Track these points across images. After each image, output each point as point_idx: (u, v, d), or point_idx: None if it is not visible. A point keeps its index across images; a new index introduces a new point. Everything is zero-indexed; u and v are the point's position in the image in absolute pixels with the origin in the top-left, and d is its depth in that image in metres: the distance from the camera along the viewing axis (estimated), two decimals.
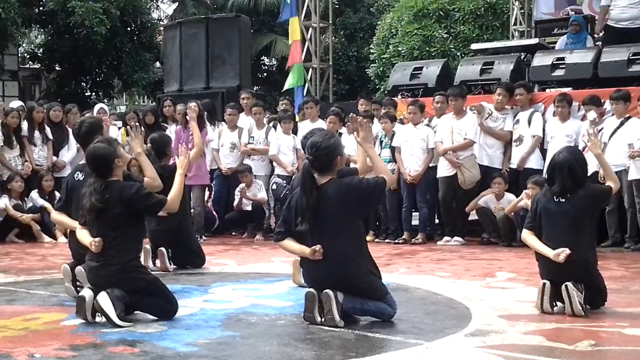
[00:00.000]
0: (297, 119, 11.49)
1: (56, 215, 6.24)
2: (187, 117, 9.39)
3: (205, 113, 10.48)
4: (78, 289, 5.69)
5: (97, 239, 5.04)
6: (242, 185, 10.56)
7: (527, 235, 5.60)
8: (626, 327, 4.90)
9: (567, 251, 5.19)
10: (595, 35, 12.53)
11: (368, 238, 9.95)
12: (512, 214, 9.36)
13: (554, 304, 5.33)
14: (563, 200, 5.39)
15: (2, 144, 10.63)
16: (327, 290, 4.84)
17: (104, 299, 4.89)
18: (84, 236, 5.22)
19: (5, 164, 10.65)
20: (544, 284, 5.35)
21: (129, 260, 5.13)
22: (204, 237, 10.00)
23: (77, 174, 6.05)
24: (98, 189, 5.08)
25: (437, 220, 10.59)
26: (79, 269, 5.59)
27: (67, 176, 6.60)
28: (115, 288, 4.99)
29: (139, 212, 5.24)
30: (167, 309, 5.17)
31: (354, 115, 5.90)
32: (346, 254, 4.90)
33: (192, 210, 9.83)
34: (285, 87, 16.74)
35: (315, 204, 4.90)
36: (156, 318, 5.11)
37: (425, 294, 6.19)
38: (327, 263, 4.87)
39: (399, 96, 11.35)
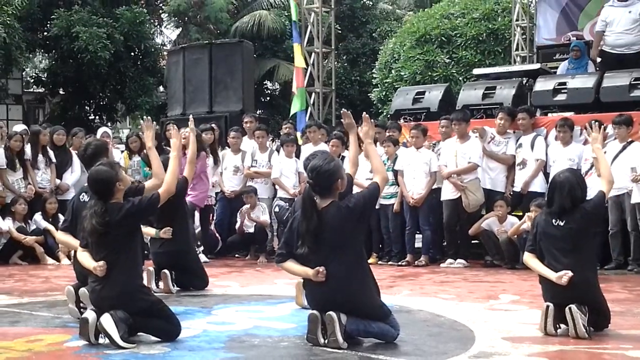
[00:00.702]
0: (299, 142, 11.52)
1: (61, 236, 6.28)
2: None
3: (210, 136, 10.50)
4: (81, 310, 5.69)
5: (101, 263, 5.04)
6: (246, 206, 10.59)
7: (528, 258, 5.61)
8: (630, 349, 4.90)
9: (570, 274, 5.19)
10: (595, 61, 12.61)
11: (371, 260, 10.01)
12: (515, 236, 9.37)
13: (558, 326, 5.32)
14: (562, 223, 5.40)
15: (5, 167, 10.67)
16: (330, 312, 4.84)
17: (107, 321, 4.89)
18: (85, 259, 5.23)
19: (9, 186, 10.68)
20: (547, 307, 5.34)
21: (132, 281, 5.15)
22: (207, 258, 9.97)
23: (83, 195, 6.08)
24: (98, 211, 5.09)
25: (444, 242, 10.58)
26: (83, 290, 5.60)
27: (72, 197, 6.64)
28: (119, 310, 5.00)
29: (141, 221, 5.27)
30: (170, 331, 5.17)
31: (346, 110, 5.95)
32: (349, 275, 4.91)
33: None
34: (292, 112, 16.80)
35: (317, 228, 4.92)
36: (159, 340, 5.11)
37: (428, 316, 6.18)
38: (330, 284, 4.88)
39: (402, 120, 11.39)
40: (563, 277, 5.21)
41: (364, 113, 5.78)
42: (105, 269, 5.04)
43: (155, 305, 5.23)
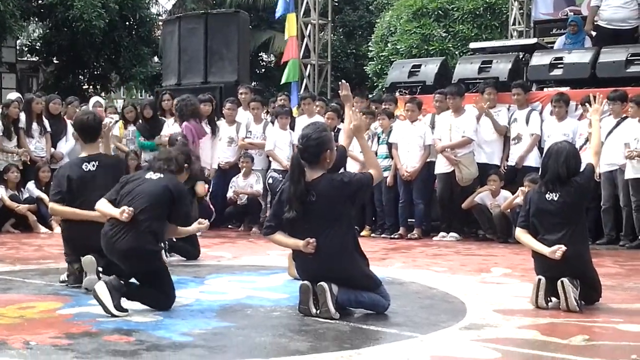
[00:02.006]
0: (294, 114, 11.51)
1: (58, 207, 5.93)
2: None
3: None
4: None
5: (128, 208, 5.05)
6: (238, 177, 10.63)
7: (520, 234, 5.61)
8: (620, 323, 4.92)
9: (563, 248, 5.20)
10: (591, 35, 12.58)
11: (364, 233, 10.05)
12: (508, 210, 9.39)
13: (549, 299, 5.34)
14: (555, 197, 5.39)
15: (1, 134, 10.64)
16: (321, 283, 4.85)
17: (101, 288, 4.89)
18: (107, 207, 5.23)
19: (7, 149, 10.66)
20: (539, 280, 5.36)
21: (155, 239, 5.17)
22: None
23: (86, 165, 5.94)
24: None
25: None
26: (89, 258, 5.58)
27: (63, 167, 6.37)
28: (126, 264, 5.08)
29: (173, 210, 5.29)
30: (164, 301, 5.17)
31: (344, 82, 5.91)
32: (339, 246, 4.91)
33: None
34: (283, 81, 16.76)
35: (303, 194, 4.91)
36: (151, 309, 5.12)
37: (420, 288, 6.20)
38: (320, 255, 4.88)
39: (397, 93, 11.38)
40: (557, 251, 5.22)
41: (341, 81, 5.78)
42: (132, 214, 5.05)
43: (160, 272, 5.23)
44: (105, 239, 5.18)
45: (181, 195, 5.32)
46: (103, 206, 5.27)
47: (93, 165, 5.88)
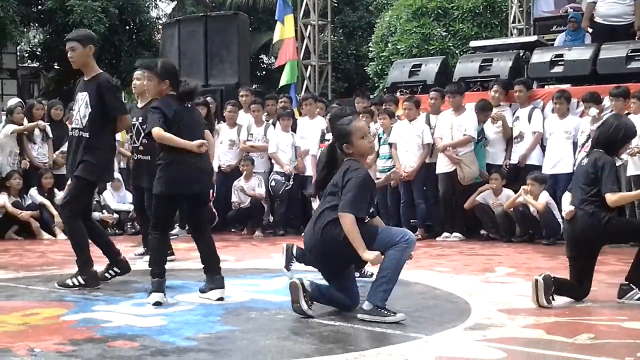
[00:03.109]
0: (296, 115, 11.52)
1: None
2: None
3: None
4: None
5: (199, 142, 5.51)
6: (240, 180, 10.63)
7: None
8: (625, 321, 4.91)
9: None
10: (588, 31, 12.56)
11: None
12: (511, 209, 9.38)
13: (551, 298, 5.33)
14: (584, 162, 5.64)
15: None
16: (294, 279, 5.04)
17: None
18: (179, 140, 5.50)
19: (29, 155, 10.76)
20: (536, 281, 5.36)
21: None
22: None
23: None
24: None
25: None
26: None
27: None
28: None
29: None
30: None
31: None
32: (327, 220, 4.94)
33: None
34: (281, 83, 16.74)
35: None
36: (156, 308, 5.18)
37: (424, 289, 6.19)
38: (313, 229, 5.04)
39: (398, 93, 11.37)
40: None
41: None
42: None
43: None
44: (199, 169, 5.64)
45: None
46: (176, 139, 5.51)
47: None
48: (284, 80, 16.55)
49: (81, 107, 6.26)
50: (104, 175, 6.57)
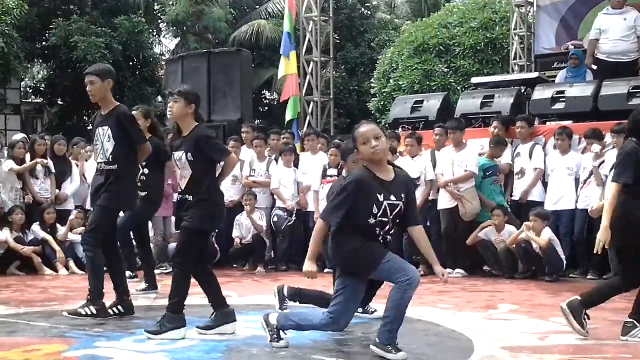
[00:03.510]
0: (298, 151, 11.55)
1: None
2: None
3: None
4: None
5: None
6: (242, 215, 10.64)
7: None
8: (630, 359, 4.88)
9: None
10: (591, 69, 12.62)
11: None
12: (514, 246, 9.36)
13: (585, 320, 5.44)
14: None
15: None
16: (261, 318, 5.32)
17: None
18: None
19: (32, 190, 10.72)
20: (561, 308, 5.39)
21: None
22: (162, 268, 9.88)
23: None
24: None
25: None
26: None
27: None
28: None
29: None
30: None
31: None
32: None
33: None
34: (287, 118, 16.82)
35: None
36: (162, 343, 5.20)
37: (427, 326, 6.17)
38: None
39: (400, 129, 11.41)
40: None
41: None
42: None
43: None
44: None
45: None
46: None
47: None
48: (289, 115, 16.66)
49: (104, 141, 6.33)
50: (127, 203, 6.67)
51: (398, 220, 5.00)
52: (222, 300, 5.86)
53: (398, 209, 4.94)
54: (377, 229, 4.93)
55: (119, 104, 6.60)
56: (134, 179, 6.68)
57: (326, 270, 9.55)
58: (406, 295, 4.84)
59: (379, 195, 4.90)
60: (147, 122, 7.95)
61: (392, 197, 4.93)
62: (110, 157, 6.32)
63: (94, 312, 6.21)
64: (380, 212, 4.90)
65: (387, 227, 4.97)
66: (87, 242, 6.41)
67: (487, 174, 9.91)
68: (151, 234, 9.56)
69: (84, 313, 6.19)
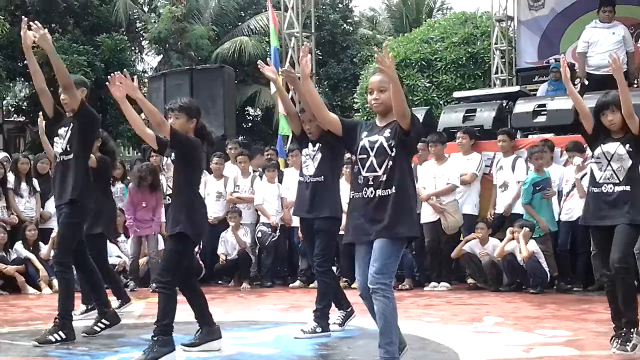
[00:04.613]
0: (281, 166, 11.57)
1: None
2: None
3: None
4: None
5: None
6: (227, 231, 10.62)
7: None
8: None
9: None
10: (575, 83, 12.68)
11: (354, 285, 9.99)
12: (499, 259, 9.39)
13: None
14: None
15: None
16: None
17: None
18: None
19: (15, 209, 10.72)
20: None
21: None
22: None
23: None
24: None
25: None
26: None
27: None
28: None
29: None
30: None
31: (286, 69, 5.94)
32: None
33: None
34: (281, 132, 16.87)
35: None
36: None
37: (412, 339, 6.14)
38: None
39: None
40: None
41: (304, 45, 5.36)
42: None
43: None
44: None
45: None
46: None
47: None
48: (282, 129, 16.70)
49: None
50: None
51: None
52: (208, 316, 5.82)
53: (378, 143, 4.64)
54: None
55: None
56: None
57: (311, 285, 9.57)
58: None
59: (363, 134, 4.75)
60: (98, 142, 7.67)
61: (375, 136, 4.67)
62: None
63: (63, 336, 6.09)
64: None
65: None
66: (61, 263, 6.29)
67: (537, 188, 9.55)
68: None
69: (53, 340, 6.06)
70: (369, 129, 4.74)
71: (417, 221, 4.62)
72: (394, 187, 4.52)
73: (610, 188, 5.42)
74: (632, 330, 5.28)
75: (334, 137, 4.88)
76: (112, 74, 5.50)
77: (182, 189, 5.49)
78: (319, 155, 6.46)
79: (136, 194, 10.47)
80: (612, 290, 5.44)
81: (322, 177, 6.44)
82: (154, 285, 9.47)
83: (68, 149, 6.28)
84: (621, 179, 5.41)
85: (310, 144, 6.54)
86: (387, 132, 4.59)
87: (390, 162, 4.55)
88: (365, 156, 4.64)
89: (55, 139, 6.48)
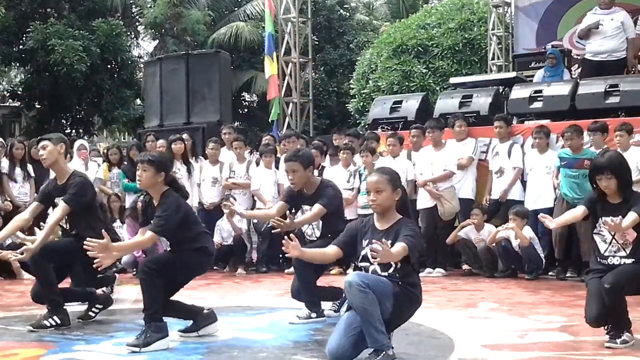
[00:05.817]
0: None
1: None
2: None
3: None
4: None
5: None
6: (222, 219, 10.57)
7: None
8: (607, 355, 4.91)
9: None
10: (572, 70, 12.67)
11: (350, 271, 10.01)
12: (494, 244, 9.40)
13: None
14: None
15: None
16: None
17: None
18: None
19: (10, 194, 10.67)
20: None
21: None
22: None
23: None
24: None
25: None
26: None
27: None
28: None
29: None
30: None
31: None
32: None
33: None
34: (270, 118, 16.87)
35: None
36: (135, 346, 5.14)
37: (407, 325, 6.10)
38: None
39: (379, 130, 11.43)
40: None
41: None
42: None
43: None
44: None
45: None
46: None
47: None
48: (272, 115, 16.75)
49: None
50: None
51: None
52: (194, 310, 5.79)
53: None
54: None
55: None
56: None
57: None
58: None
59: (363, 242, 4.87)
60: None
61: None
62: None
63: (58, 321, 6.10)
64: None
65: None
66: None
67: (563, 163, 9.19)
68: None
69: (47, 325, 6.07)
70: (370, 235, 4.85)
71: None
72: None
73: (617, 260, 5.27)
74: (623, 331, 5.23)
75: None
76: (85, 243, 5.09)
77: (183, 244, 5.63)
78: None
79: (135, 226, 10.18)
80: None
81: None
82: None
83: None
84: (628, 252, 5.27)
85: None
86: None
87: (394, 265, 4.73)
88: (367, 264, 4.80)
89: None
